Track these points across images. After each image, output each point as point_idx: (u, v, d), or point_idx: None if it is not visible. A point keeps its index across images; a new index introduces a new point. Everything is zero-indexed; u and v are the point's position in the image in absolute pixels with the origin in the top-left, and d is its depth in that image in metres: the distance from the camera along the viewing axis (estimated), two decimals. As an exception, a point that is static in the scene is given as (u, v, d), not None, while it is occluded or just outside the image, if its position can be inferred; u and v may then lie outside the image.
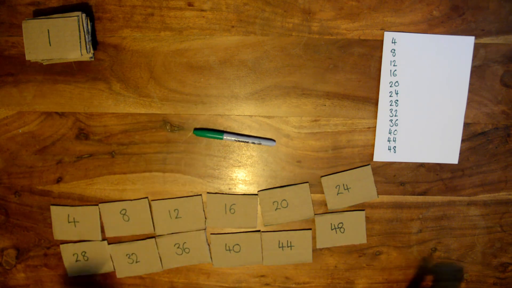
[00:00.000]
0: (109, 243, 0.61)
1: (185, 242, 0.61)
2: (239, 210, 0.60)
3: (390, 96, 0.58)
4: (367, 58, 0.57)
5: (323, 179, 0.60)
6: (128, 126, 0.59)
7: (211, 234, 0.61)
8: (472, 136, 0.59)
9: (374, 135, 0.59)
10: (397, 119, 0.58)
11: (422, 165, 0.60)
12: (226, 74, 0.58)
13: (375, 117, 0.59)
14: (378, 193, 0.60)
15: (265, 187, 0.60)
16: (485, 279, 0.63)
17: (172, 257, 0.61)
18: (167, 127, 0.59)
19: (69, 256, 0.62)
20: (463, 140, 0.59)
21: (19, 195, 0.61)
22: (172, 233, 0.61)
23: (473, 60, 0.57)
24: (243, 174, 0.60)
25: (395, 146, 0.59)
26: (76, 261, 0.62)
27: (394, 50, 0.57)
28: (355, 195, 0.60)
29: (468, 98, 0.58)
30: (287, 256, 0.61)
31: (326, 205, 0.60)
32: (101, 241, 0.61)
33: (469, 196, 0.61)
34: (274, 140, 0.59)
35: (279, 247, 0.61)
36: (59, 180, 0.60)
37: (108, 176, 0.60)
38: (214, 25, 0.57)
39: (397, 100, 0.58)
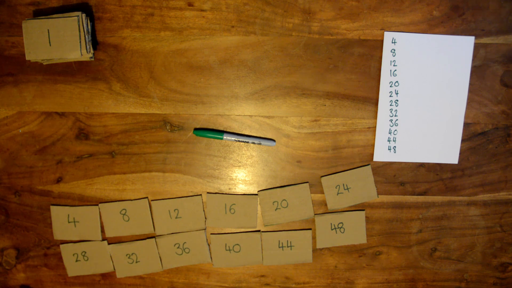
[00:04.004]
0: (109, 243, 0.61)
1: (185, 242, 0.61)
2: (239, 210, 0.60)
3: (390, 96, 0.58)
4: (367, 58, 0.57)
5: (323, 179, 0.60)
6: (128, 126, 0.59)
7: (211, 234, 0.61)
8: (472, 136, 0.59)
9: (374, 135, 0.59)
10: (397, 119, 0.58)
11: (422, 165, 0.60)
12: (226, 74, 0.58)
13: (375, 117, 0.59)
14: (378, 193, 0.60)
15: (265, 187, 0.60)
16: (485, 279, 0.63)
17: (172, 257, 0.61)
18: (167, 127, 0.59)
19: (69, 256, 0.62)
20: (463, 140, 0.59)
21: (19, 195, 0.61)
22: (172, 233, 0.61)
23: (473, 60, 0.57)
24: (243, 174, 0.60)
25: (395, 146, 0.59)
26: (76, 261, 0.62)
27: (394, 50, 0.57)
28: (355, 195, 0.60)
29: (468, 98, 0.58)
30: (287, 256, 0.61)
31: (326, 205, 0.60)
32: (101, 241, 0.61)
33: (469, 196, 0.61)
34: (274, 140, 0.59)
35: (279, 247, 0.61)
36: (59, 180, 0.60)
37: (108, 176, 0.60)
38: (214, 25, 0.57)
39: (397, 100, 0.58)
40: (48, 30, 0.53)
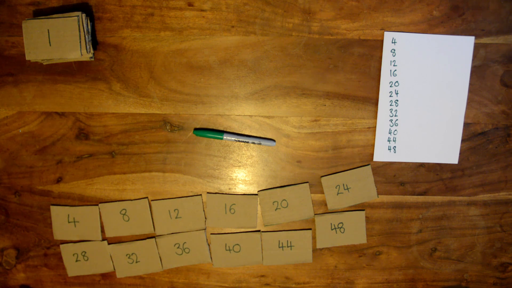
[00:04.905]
0: (109, 243, 0.61)
1: (185, 242, 0.61)
2: (239, 210, 0.60)
3: (390, 96, 0.58)
4: (367, 58, 0.57)
5: (323, 179, 0.60)
6: (128, 126, 0.59)
7: (211, 234, 0.61)
8: (472, 136, 0.59)
9: (374, 135, 0.59)
10: (397, 119, 0.58)
11: (422, 165, 0.60)
12: (226, 74, 0.58)
13: (375, 117, 0.59)
14: (378, 193, 0.60)
15: (265, 187, 0.60)
16: (485, 279, 0.63)
17: (172, 257, 0.61)
18: (167, 127, 0.59)
19: (69, 256, 0.62)
20: (463, 140, 0.59)
21: (19, 195, 0.61)
22: (172, 233, 0.61)
23: (473, 60, 0.57)
24: (243, 174, 0.60)
25: (395, 146, 0.59)
26: (76, 261, 0.62)
27: (394, 50, 0.57)
28: (355, 195, 0.60)
29: (468, 98, 0.58)
30: (287, 256, 0.61)
31: (326, 205, 0.60)
32: (101, 241, 0.61)
33: (469, 196, 0.61)
34: (274, 140, 0.59)
35: (279, 247, 0.61)
36: (59, 180, 0.60)
37: (108, 176, 0.60)
38: (214, 25, 0.57)
39: (397, 100, 0.58)
40: (48, 30, 0.53)
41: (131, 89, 0.58)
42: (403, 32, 0.56)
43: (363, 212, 0.61)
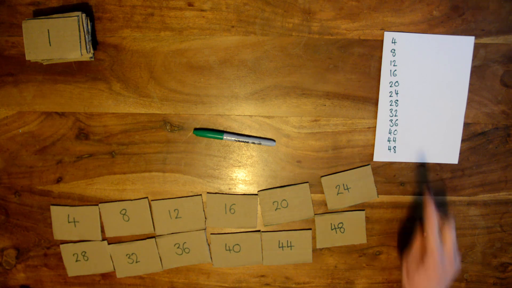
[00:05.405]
0: (109, 243, 0.61)
1: (185, 242, 0.61)
2: (239, 210, 0.60)
3: (390, 96, 0.58)
4: (367, 58, 0.57)
5: (323, 179, 0.60)
6: (128, 126, 0.59)
7: (211, 234, 0.61)
8: (472, 136, 0.59)
9: (374, 135, 0.59)
10: (397, 119, 0.58)
11: (422, 165, 0.60)
12: (226, 74, 0.58)
13: (375, 117, 0.59)
14: (378, 193, 0.60)
15: (265, 187, 0.60)
16: (485, 279, 0.63)
17: (172, 257, 0.61)
18: (167, 127, 0.59)
19: (69, 256, 0.62)
20: (463, 140, 0.59)
21: (19, 195, 0.61)
22: (172, 233, 0.61)
23: (473, 60, 0.57)
24: (243, 174, 0.60)
25: (395, 146, 0.59)
26: (76, 261, 0.62)
27: (394, 50, 0.57)
28: (355, 195, 0.60)
29: (468, 98, 0.58)
30: (287, 256, 0.61)
31: (326, 205, 0.60)
32: (101, 241, 0.61)
33: (469, 196, 0.61)
34: (274, 140, 0.59)
35: (279, 247, 0.61)
36: (59, 180, 0.60)
37: (108, 176, 0.60)
38: (214, 25, 0.57)
39: (397, 100, 0.58)
40: (48, 30, 0.53)
41: (131, 89, 0.58)
42: (403, 32, 0.56)
43: (363, 212, 0.61)
